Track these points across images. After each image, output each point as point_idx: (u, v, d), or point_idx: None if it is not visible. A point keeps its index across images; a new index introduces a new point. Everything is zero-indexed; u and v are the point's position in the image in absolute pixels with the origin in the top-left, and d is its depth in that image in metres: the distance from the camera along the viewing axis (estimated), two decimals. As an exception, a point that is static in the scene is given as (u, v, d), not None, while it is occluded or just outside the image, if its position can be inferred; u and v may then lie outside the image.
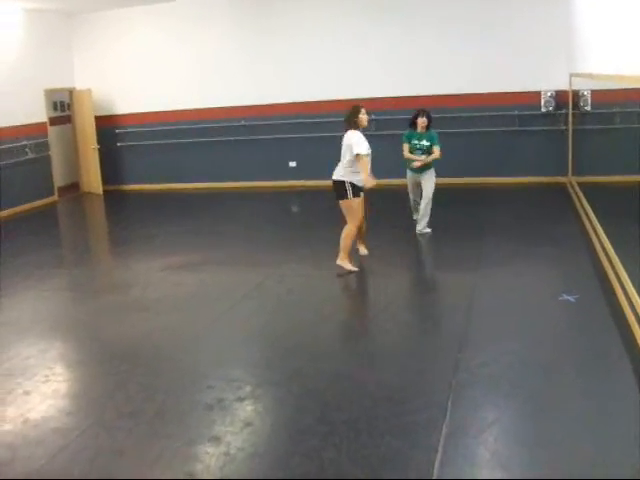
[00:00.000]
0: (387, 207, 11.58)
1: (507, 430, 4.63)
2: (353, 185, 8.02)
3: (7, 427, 5.03)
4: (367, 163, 7.96)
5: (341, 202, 8.14)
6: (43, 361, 6.29)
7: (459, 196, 12.54)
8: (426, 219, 9.82)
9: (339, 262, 8.17)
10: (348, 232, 8.12)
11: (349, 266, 8.18)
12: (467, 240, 9.43)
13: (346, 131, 8.17)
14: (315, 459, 4.32)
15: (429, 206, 9.77)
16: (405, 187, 10.16)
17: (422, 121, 9.84)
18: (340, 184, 8.09)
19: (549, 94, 12.83)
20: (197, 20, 14.68)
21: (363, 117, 8.18)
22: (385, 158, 13.46)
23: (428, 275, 8.36)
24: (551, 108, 12.89)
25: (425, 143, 9.82)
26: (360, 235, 8.62)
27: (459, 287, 7.64)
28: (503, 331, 6.26)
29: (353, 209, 8.09)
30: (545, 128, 13.07)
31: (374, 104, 13.41)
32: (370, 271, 8.44)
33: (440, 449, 4.29)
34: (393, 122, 13.38)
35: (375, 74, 13.63)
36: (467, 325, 6.44)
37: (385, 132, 13.39)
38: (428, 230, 9.79)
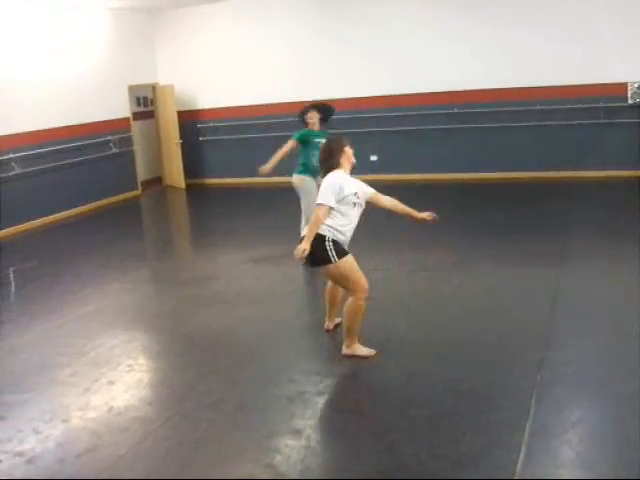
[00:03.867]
0: (462, 201, 11.45)
1: (592, 430, 4.53)
2: (335, 242, 5.70)
3: (92, 414, 5.14)
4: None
5: (325, 268, 5.78)
6: (127, 351, 6.40)
7: (543, 190, 12.33)
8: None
9: (347, 351, 5.87)
10: (357, 306, 5.75)
11: (364, 351, 5.87)
12: (551, 235, 9.24)
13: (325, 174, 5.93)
14: (395, 454, 4.29)
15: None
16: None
17: (310, 116, 8.85)
18: (318, 243, 5.66)
19: (636, 85, 12.44)
20: (278, 14, 14.71)
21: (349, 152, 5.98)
22: (464, 151, 13.39)
23: (511, 270, 8.18)
24: (638, 100, 12.50)
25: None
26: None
27: (543, 282, 7.46)
28: (589, 328, 6.11)
29: (348, 270, 5.74)
30: (632, 120, 12.65)
31: (456, 97, 13.32)
32: (451, 266, 8.33)
33: (523, 448, 4.20)
34: (473, 115, 13.27)
35: (455, 66, 13.38)
36: (552, 322, 6.31)
37: (468, 125, 13.30)
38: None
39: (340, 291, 6.18)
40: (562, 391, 5.02)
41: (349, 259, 5.71)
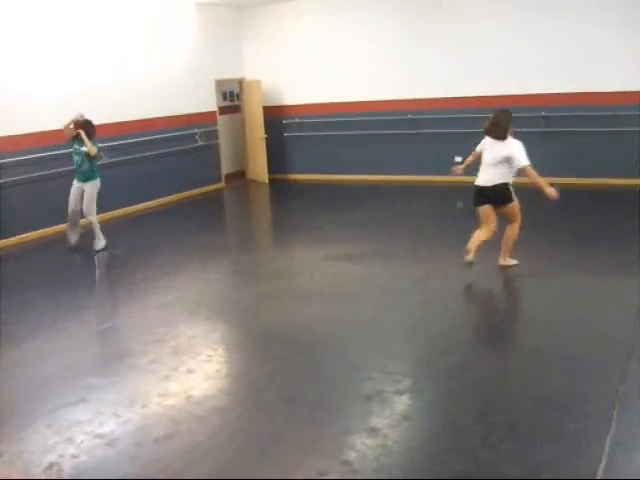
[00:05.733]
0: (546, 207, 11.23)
1: (676, 446, 4.40)
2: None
3: (171, 402, 5.23)
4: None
5: (506, 207, 7.86)
6: (206, 342, 6.49)
7: (616, 197, 11.98)
8: (96, 239, 10.03)
9: (503, 263, 8.09)
10: (515, 231, 7.96)
11: (512, 261, 8.11)
12: (628, 242, 8.96)
13: (498, 139, 7.93)
14: (472, 458, 4.25)
15: (94, 226, 9.99)
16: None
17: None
18: (504, 188, 7.79)
19: None
20: (367, 10, 14.63)
21: None
22: (551, 156, 13.11)
23: (591, 278, 7.98)
24: None
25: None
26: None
27: (626, 291, 7.28)
28: (675, 341, 5.94)
29: (517, 209, 7.90)
30: None
31: (541, 100, 13.06)
32: (529, 274, 8.16)
33: (604, 459, 4.10)
34: (557, 119, 13.05)
35: (541, 69, 13.05)
36: (637, 332, 6.15)
37: (553, 129, 13.08)
38: (100, 247, 10.01)
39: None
40: (646, 404, 4.90)
41: None
